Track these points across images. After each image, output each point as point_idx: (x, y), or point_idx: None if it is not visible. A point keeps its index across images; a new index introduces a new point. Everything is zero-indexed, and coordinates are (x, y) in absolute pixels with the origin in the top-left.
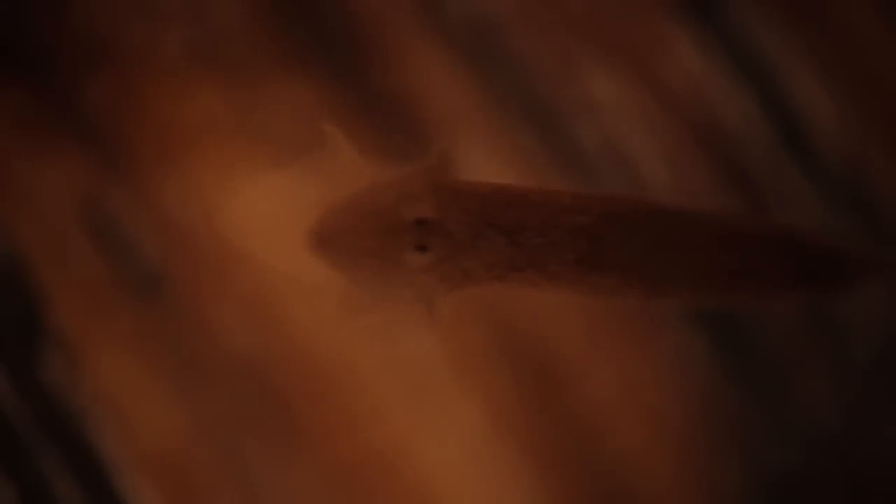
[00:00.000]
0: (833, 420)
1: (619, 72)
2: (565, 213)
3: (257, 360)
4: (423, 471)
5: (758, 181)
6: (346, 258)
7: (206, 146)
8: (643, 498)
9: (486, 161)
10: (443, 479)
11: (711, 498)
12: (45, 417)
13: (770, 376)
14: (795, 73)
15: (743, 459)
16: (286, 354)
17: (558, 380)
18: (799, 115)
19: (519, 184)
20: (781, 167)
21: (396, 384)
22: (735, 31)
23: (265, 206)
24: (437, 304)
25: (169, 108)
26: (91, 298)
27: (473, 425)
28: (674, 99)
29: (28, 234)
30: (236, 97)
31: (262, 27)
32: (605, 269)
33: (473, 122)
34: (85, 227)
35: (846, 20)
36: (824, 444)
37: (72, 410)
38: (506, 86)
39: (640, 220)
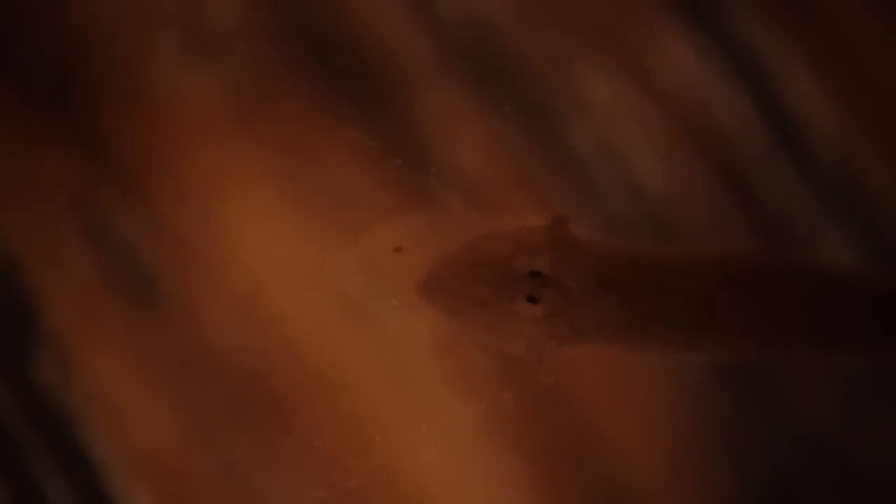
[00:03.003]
0: (827, 420)
1: (613, 72)
2: (678, 277)
3: (250, 361)
4: (418, 471)
5: (752, 182)
6: (458, 306)
7: (200, 148)
8: (637, 498)
9: (478, 163)
10: (438, 479)
11: (705, 498)
12: (38, 418)
13: (763, 376)
14: (791, 75)
15: (737, 459)
16: (279, 355)
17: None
18: (794, 116)
19: (633, 245)
20: (776, 168)
21: (391, 386)
22: (730, 32)
23: (259, 207)
24: (546, 358)
25: (163, 108)
26: (84, 299)
27: (468, 426)
28: (668, 100)
29: (20, 234)
30: (231, 98)
31: (257, 28)
32: (717, 331)
33: (465, 121)
34: (78, 227)
35: (842, 21)
36: (818, 444)
37: (64, 411)
38: (498, 86)
39: (752, 280)
